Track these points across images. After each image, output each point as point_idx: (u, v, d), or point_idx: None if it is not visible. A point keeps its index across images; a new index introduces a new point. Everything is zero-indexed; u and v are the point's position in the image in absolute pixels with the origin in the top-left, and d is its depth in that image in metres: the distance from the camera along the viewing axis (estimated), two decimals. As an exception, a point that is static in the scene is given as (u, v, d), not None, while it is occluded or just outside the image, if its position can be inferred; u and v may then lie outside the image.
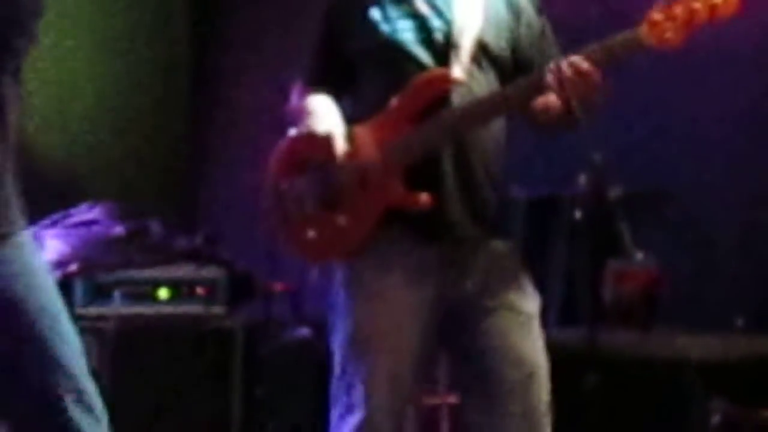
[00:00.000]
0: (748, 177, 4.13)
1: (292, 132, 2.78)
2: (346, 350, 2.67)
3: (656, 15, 2.46)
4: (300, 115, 2.76)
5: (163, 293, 4.37)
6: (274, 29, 5.34)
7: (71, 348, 2.48)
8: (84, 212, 4.51)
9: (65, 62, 5.31)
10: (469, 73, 2.66)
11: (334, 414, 2.68)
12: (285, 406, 4.32)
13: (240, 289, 4.44)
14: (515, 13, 2.76)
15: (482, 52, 2.69)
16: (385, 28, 2.70)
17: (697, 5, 2.44)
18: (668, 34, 2.45)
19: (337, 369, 2.69)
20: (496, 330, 2.66)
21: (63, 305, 2.51)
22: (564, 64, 2.49)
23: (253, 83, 5.40)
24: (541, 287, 2.79)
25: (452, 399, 3.72)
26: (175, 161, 5.77)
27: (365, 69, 2.74)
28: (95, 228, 4.45)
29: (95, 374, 2.53)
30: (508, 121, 2.75)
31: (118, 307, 4.26)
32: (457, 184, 2.64)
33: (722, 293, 4.11)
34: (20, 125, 2.46)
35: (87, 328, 4.02)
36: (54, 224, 4.43)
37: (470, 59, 2.67)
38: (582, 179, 3.76)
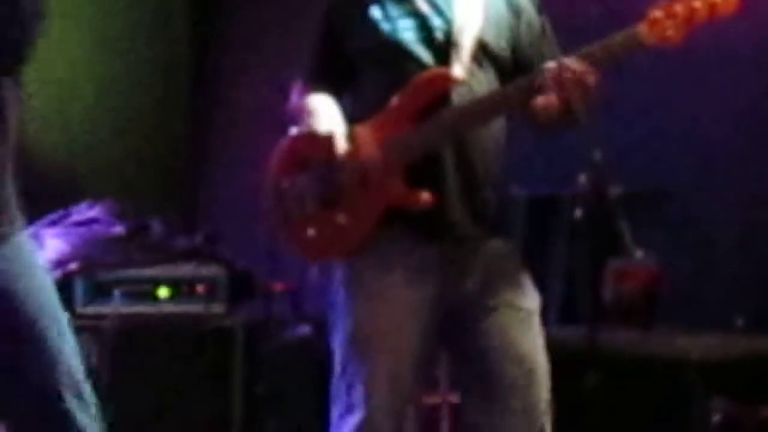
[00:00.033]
0: (748, 177, 4.12)
1: (293, 131, 2.78)
2: (347, 350, 2.67)
3: (656, 12, 2.46)
4: (300, 114, 2.76)
5: (163, 292, 4.36)
6: (274, 29, 5.33)
7: (70, 347, 2.49)
8: (84, 211, 4.51)
9: (65, 62, 5.30)
10: (470, 73, 2.66)
11: (335, 413, 2.68)
12: (285, 405, 4.32)
13: (240, 288, 4.44)
14: (515, 12, 2.76)
15: (482, 51, 2.69)
16: (385, 27, 2.70)
17: (698, 4, 2.45)
18: (669, 32, 2.46)
19: (337, 368, 2.69)
20: (497, 328, 2.66)
21: (61, 305, 2.51)
22: (563, 64, 2.50)
23: (253, 83, 5.39)
24: (542, 286, 2.79)
25: (452, 398, 3.71)
26: (175, 161, 5.77)
27: (366, 68, 2.74)
28: (95, 227, 4.44)
29: (95, 373, 2.53)
30: (508, 120, 2.75)
31: (118, 306, 4.25)
32: (458, 183, 2.65)
33: (722, 293, 4.10)
34: (20, 126, 2.46)
35: (87, 327, 4.03)
36: (54, 223, 4.42)
37: (470, 58, 2.67)
38: (582, 179, 3.75)
